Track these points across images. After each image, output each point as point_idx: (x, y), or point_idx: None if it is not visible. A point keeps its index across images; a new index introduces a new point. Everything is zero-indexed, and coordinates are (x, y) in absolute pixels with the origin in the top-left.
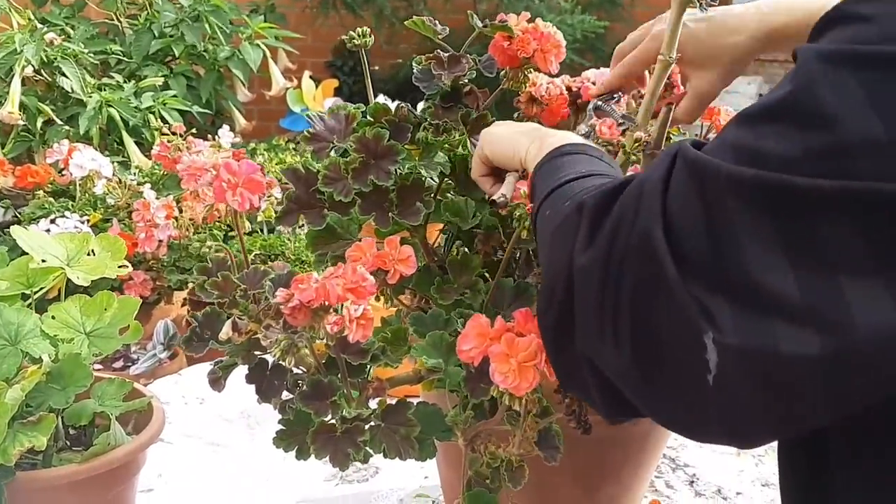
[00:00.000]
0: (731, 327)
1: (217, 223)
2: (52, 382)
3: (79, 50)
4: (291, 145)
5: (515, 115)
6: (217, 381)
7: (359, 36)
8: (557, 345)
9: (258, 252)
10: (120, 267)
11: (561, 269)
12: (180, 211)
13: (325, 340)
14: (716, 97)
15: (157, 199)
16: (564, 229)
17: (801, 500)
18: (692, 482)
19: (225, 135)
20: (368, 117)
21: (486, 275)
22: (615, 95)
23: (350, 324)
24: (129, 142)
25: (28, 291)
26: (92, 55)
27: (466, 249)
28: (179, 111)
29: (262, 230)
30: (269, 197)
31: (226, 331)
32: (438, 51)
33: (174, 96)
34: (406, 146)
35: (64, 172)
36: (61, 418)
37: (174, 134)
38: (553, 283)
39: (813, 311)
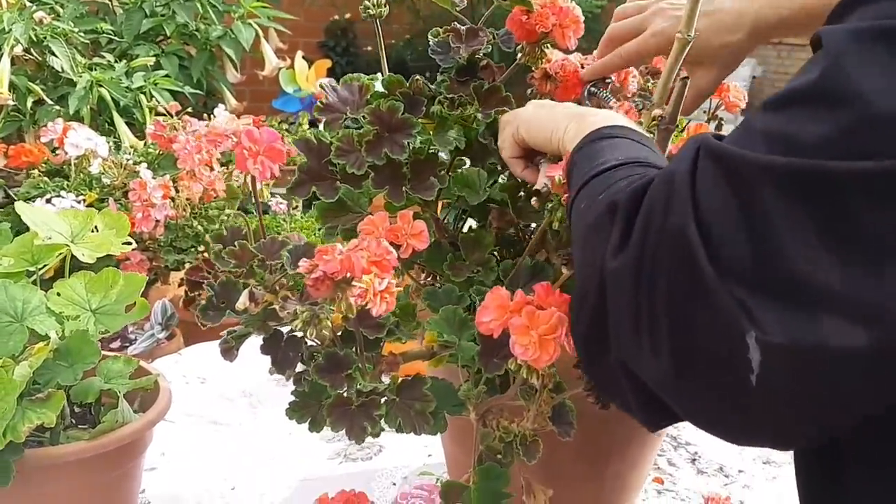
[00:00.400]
0: (775, 325)
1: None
2: (59, 359)
3: (69, 29)
4: (285, 126)
5: (528, 91)
6: (230, 351)
7: (374, 6)
8: (591, 352)
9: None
10: (124, 244)
11: (593, 273)
12: (177, 191)
13: (345, 313)
14: (714, 92)
15: (153, 178)
16: (597, 230)
17: (817, 494)
18: (694, 460)
19: (221, 114)
20: (383, 89)
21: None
22: (607, 80)
23: (374, 297)
24: (119, 122)
25: (33, 268)
26: (82, 34)
27: (476, 225)
28: (171, 91)
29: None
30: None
31: (243, 300)
32: (455, 24)
33: (166, 76)
34: (420, 120)
35: (58, 152)
36: (67, 396)
37: (169, 114)
38: (585, 287)
39: (858, 301)
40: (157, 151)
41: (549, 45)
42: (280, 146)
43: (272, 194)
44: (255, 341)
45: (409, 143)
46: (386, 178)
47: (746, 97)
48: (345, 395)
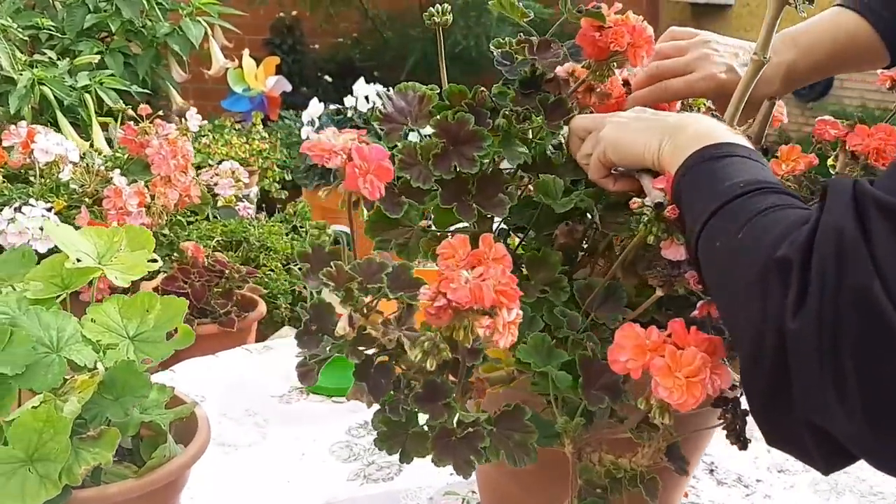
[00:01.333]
0: None
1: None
2: (103, 392)
3: (6, 24)
4: (237, 126)
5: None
6: (309, 375)
7: (439, 14)
8: (772, 408)
9: (219, 238)
10: (149, 261)
11: (766, 332)
12: (152, 198)
13: (460, 341)
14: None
15: (128, 185)
16: (765, 288)
17: None
18: (712, 471)
19: (192, 117)
20: (445, 100)
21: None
22: None
23: (503, 328)
24: (63, 122)
25: (64, 294)
26: (20, 30)
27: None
28: (117, 90)
29: (217, 216)
30: (236, 182)
31: (342, 326)
32: (520, 34)
33: (111, 75)
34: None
35: (16, 155)
36: None
37: (140, 118)
38: (757, 346)
39: None
40: (126, 156)
41: (616, 63)
42: (388, 164)
43: (239, 199)
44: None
45: (479, 156)
46: (453, 194)
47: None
48: (446, 425)
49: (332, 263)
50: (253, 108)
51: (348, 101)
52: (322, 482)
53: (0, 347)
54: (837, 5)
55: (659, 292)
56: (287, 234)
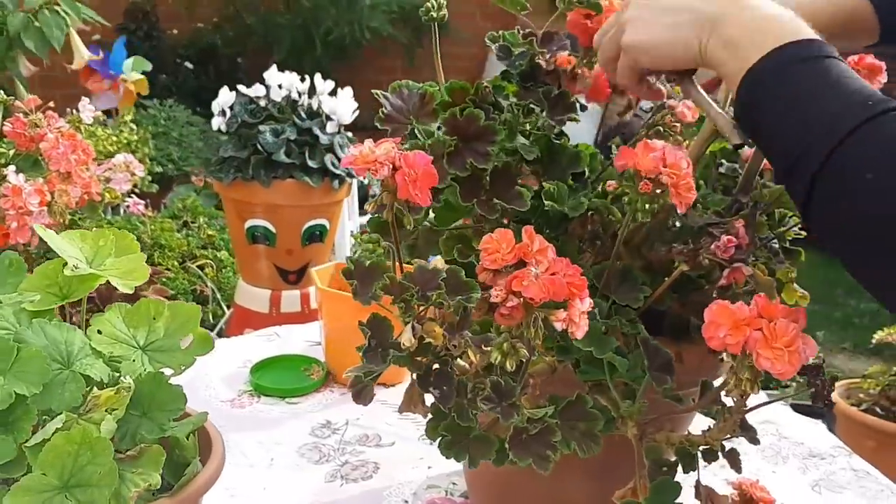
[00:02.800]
0: None
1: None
2: (129, 408)
3: None
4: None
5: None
6: (366, 393)
7: (435, 8)
8: None
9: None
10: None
11: None
12: (52, 196)
13: (534, 339)
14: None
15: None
16: None
17: None
18: None
19: (85, 108)
20: (446, 97)
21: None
22: None
23: (578, 319)
24: None
25: (64, 304)
26: None
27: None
28: None
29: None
30: (132, 176)
31: (408, 337)
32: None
33: None
34: None
35: None
36: None
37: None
38: None
39: None
40: (13, 152)
41: None
42: (432, 169)
43: (128, 194)
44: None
45: (492, 151)
46: (469, 191)
47: None
48: (519, 424)
49: (385, 275)
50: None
51: (256, 89)
52: (300, 486)
53: (7, 366)
54: None
55: (683, 267)
56: (179, 231)
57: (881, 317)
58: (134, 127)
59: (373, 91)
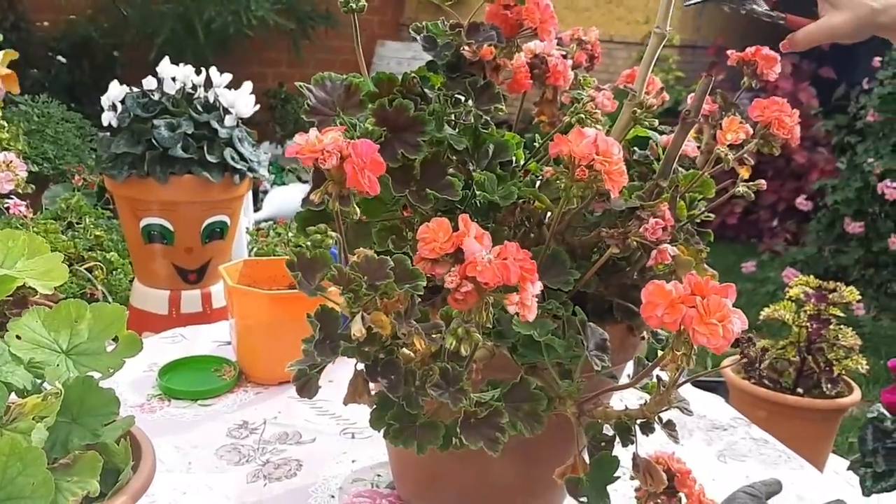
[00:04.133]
0: None
1: None
2: (58, 415)
3: None
4: None
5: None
6: (309, 386)
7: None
8: None
9: None
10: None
11: None
12: None
13: (483, 323)
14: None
15: None
16: None
17: None
18: None
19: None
20: (374, 88)
21: None
22: None
23: (530, 302)
24: None
25: None
26: None
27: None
28: None
29: None
30: (15, 176)
31: (358, 328)
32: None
33: None
34: None
35: None
36: None
37: None
38: None
39: None
40: None
41: (523, 40)
42: (379, 157)
43: (7, 196)
44: None
45: (422, 142)
46: (401, 182)
47: None
48: (469, 408)
49: (332, 266)
50: None
51: (148, 82)
52: (221, 488)
53: None
54: None
55: (614, 250)
56: (64, 233)
57: (756, 296)
58: (4, 124)
59: (297, 84)
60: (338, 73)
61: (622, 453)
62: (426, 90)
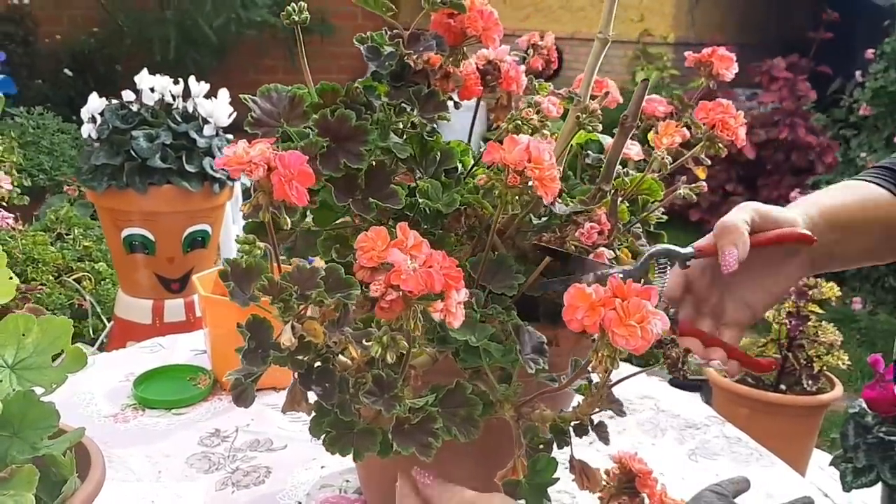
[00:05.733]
0: None
1: None
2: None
3: None
4: None
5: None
6: (245, 395)
7: (296, 11)
8: None
9: None
10: (10, 279)
11: None
12: None
13: (414, 331)
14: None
15: None
16: None
17: None
18: None
19: None
20: (317, 99)
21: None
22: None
23: (455, 309)
24: None
25: None
26: None
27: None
28: None
29: None
30: None
31: (287, 337)
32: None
33: None
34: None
35: None
36: None
37: None
38: None
39: None
40: None
41: (468, 48)
42: (308, 168)
43: None
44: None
45: (365, 151)
46: (343, 192)
47: None
48: (401, 415)
49: (263, 276)
50: None
51: (127, 94)
52: (190, 496)
53: None
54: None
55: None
56: (53, 244)
57: None
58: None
59: (240, 96)
60: (333, 81)
61: (588, 453)
62: (371, 99)
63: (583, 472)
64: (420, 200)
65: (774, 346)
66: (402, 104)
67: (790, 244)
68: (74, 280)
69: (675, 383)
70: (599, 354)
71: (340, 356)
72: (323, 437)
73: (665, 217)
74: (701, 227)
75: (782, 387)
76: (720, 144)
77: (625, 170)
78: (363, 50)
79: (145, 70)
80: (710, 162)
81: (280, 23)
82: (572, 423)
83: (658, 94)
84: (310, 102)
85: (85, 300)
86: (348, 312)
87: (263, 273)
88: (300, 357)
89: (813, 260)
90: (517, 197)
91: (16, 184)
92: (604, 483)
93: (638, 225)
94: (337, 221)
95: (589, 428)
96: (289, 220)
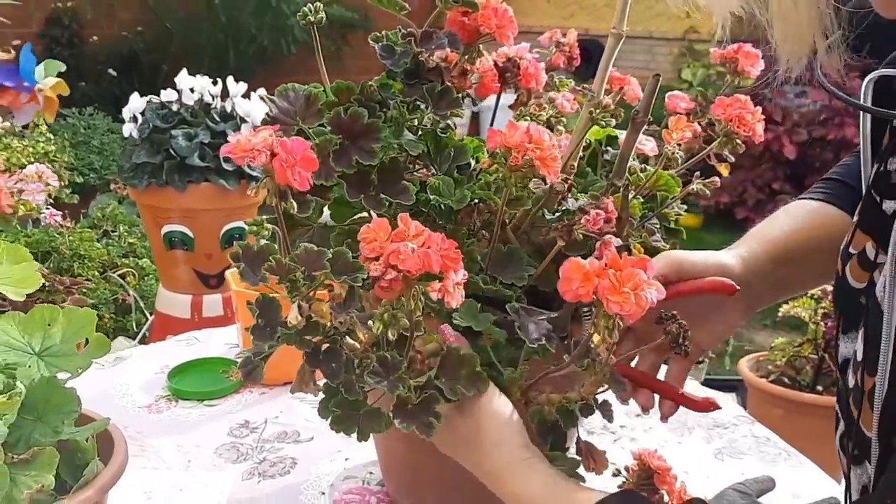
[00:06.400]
0: None
1: None
2: (23, 413)
3: None
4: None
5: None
6: (255, 372)
7: (313, 12)
8: None
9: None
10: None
11: None
12: None
13: (415, 310)
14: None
15: None
16: None
17: None
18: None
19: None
20: (332, 97)
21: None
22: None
23: (453, 289)
24: None
25: None
26: None
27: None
28: None
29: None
30: (46, 186)
31: (294, 315)
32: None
33: None
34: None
35: None
36: None
37: None
38: None
39: None
40: None
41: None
42: (311, 154)
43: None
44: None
45: (377, 148)
46: (356, 188)
47: None
48: (404, 394)
49: (271, 257)
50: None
51: (168, 94)
52: (217, 485)
53: None
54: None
55: (560, 243)
56: (99, 241)
57: None
58: (51, 137)
59: (259, 95)
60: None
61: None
62: (386, 97)
63: (589, 455)
64: (431, 197)
65: (810, 346)
66: (416, 101)
67: (713, 293)
68: (119, 276)
69: (708, 384)
70: (597, 326)
71: (347, 338)
72: (329, 417)
73: (684, 211)
74: (746, 225)
75: (819, 387)
76: (737, 141)
77: (642, 166)
78: (377, 49)
79: (185, 70)
80: (732, 159)
81: (326, 24)
82: (578, 404)
83: (705, 91)
84: (325, 101)
85: (129, 295)
86: (355, 295)
87: (272, 255)
88: (308, 337)
89: (759, 295)
90: (520, 181)
91: (66, 182)
92: (623, 480)
93: (655, 221)
94: (354, 217)
95: (594, 407)
96: (294, 205)
